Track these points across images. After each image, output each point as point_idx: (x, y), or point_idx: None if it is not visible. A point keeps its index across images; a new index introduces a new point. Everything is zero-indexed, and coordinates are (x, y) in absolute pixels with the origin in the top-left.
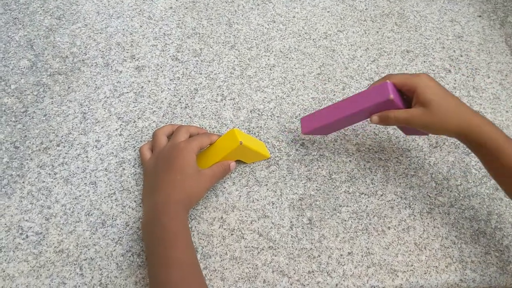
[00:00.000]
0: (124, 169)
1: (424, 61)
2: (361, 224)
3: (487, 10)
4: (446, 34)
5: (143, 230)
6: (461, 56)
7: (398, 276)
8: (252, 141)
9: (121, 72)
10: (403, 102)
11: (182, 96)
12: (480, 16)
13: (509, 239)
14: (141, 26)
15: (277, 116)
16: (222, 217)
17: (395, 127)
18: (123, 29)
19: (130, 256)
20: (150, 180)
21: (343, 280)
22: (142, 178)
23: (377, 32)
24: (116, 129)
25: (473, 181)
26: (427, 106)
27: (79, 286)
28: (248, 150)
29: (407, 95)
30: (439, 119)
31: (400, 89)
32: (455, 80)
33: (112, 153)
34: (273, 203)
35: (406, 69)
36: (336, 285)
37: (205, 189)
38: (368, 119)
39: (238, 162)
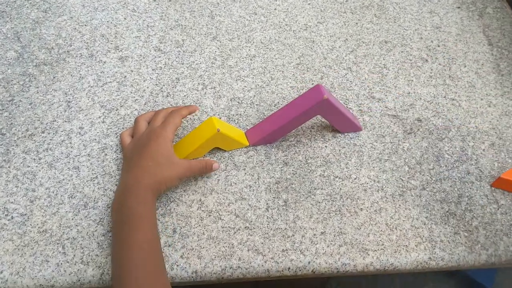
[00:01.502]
0: (106, 154)
1: (402, 51)
2: (335, 206)
3: (466, 1)
4: (424, 25)
5: (112, 209)
6: (439, 46)
7: (369, 254)
8: (230, 129)
9: (105, 62)
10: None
11: (164, 85)
12: (459, 7)
13: (478, 220)
14: (125, 19)
15: (257, 104)
16: (200, 200)
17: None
18: (108, 22)
19: (111, 236)
20: (126, 163)
21: (316, 258)
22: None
23: (357, 23)
24: (99, 117)
25: (445, 165)
26: None
27: (61, 263)
28: (226, 138)
29: None
30: None
31: None
32: (432, 69)
33: (95, 139)
34: (250, 186)
35: (384, 59)
36: (309, 262)
37: (177, 179)
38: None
39: (218, 148)
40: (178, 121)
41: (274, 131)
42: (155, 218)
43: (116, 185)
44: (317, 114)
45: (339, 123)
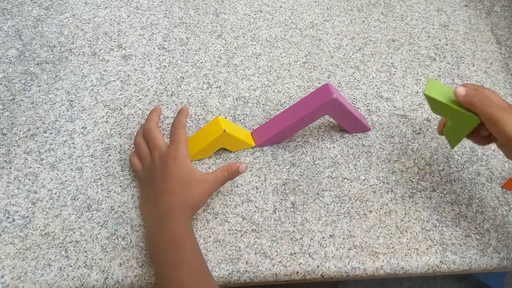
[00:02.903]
0: (110, 155)
1: (410, 50)
2: (343, 208)
3: None
4: (432, 23)
5: (148, 239)
6: (447, 45)
7: (379, 258)
8: (236, 130)
9: (108, 61)
10: None
11: (168, 84)
12: (466, 5)
13: (490, 222)
14: (128, 16)
15: (263, 104)
16: (207, 201)
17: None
18: (111, 19)
19: (115, 239)
20: (148, 192)
21: (325, 262)
22: (134, 186)
23: (363, 21)
24: (103, 116)
25: (456, 167)
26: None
27: (64, 267)
28: (232, 138)
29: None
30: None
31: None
32: (440, 68)
33: (98, 139)
34: (257, 188)
35: (392, 58)
36: (318, 266)
37: (206, 196)
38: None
39: (223, 149)
40: (185, 134)
41: (281, 131)
42: (195, 239)
43: (120, 186)
44: (325, 114)
45: (347, 123)
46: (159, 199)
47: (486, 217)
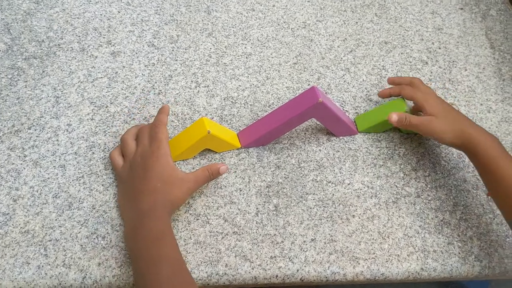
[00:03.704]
0: (93, 153)
1: (402, 53)
2: (326, 212)
3: (470, 2)
4: (426, 26)
5: (126, 237)
6: (440, 48)
7: (359, 263)
8: (222, 131)
9: (96, 57)
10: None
11: (156, 82)
12: (462, 8)
13: (473, 230)
14: (119, 12)
15: (251, 104)
16: (188, 203)
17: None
18: (101, 14)
19: (94, 238)
20: (128, 188)
21: (305, 266)
22: (116, 185)
23: (357, 22)
24: (88, 114)
25: (442, 172)
26: (436, 115)
27: (42, 266)
28: (217, 139)
29: (417, 109)
30: (444, 128)
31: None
32: (431, 72)
33: (83, 137)
34: (240, 190)
35: (383, 61)
36: (297, 270)
37: (187, 194)
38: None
39: (208, 150)
40: (166, 131)
41: (267, 133)
42: (174, 236)
43: (102, 185)
44: (311, 117)
45: (334, 126)
46: (139, 198)
47: (469, 224)
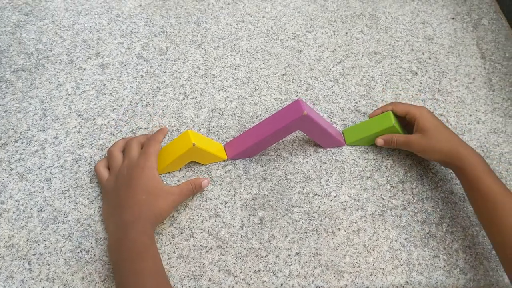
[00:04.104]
0: (79, 166)
1: (391, 63)
2: (312, 225)
3: (461, 12)
4: (416, 36)
5: (110, 249)
6: (430, 58)
7: (344, 277)
8: (207, 143)
9: (84, 69)
10: (402, 127)
11: (144, 94)
12: (453, 18)
13: (459, 243)
14: (108, 24)
15: (238, 116)
16: (173, 216)
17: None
18: (90, 26)
19: (78, 252)
20: (113, 200)
21: (289, 280)
22: (101, 198)
23: (346, 33)
24: (75, 126)
25: (429, 185)
26: (424, 133)
27: (26, 280)
28: (202, 152)
29: (408, 122)
30: (432, 145)
31: (403, 116)
32: (421, 83)
33: (69, 150)
34: (226, 203)
35: (372, 71)
36: (281, 284)
37: (172, 207)
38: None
39: (194, 162)
40: (158, 148)
41: (253, 145)
42: (157, 249)
43: (87, 198)
44: (297, 130)
45: (320, 138)
46: (124, 209)
47: (455, 237)
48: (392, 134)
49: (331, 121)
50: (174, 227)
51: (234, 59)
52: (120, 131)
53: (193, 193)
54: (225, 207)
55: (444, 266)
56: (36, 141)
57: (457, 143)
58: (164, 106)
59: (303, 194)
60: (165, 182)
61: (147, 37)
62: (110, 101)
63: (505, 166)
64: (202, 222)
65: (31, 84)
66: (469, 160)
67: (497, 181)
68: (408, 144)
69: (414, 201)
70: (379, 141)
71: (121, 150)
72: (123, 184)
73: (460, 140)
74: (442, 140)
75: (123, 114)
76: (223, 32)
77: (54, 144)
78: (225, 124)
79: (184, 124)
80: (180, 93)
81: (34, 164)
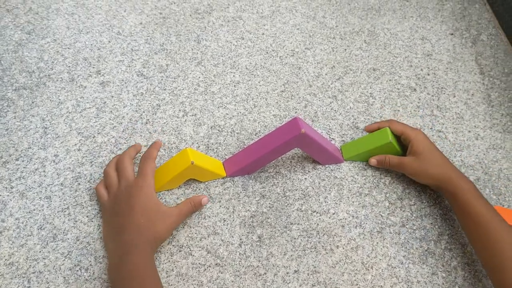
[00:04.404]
0: (79, 184)
1: (390, 80)
2: (310, 243)
3: (460, 28)
4: (415, 52)
5: (110, 271)
6: (428, 74)
7: None
8: (206, 161)
9: (85, 87)
10: (400, 145)
11: (143, 112)
12: (452, 34)
13: (457, 260)
14: (109, 42)
15: (237, 133)
16: (172, 234)
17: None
18: (91, 44)
19: (77, 270)
20: (112, 222)
21: None
22: (101, 216)
23: (345, 50)
24: (75, 144)
25: (427, 201)
26: (417, 156)
27: None
28: (201, 169)
29: (403, 143)
30: (425, 168)
31: (399, 135)
32: (419, 99)
33: (69, 168)
34: (224, 220)
35: (371, 88)
36: None
37: (171, 229)
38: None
39: (193, 179)
40: (154, 166)
41: (252, 162)
42: (157, 272)
43: (87, 216)
44: (295, 147)
45: (318, 155)
46: (123, 232)
47: (454, 254)
48: (385, 155)
49: (330, 137)
50: (173, 245)
51: (233, 76)
52: (120, 148)
53: (193, 211)
54: (223, 224)
55: (443, 284)
56: (36, 159)
57: (449, 168)
58: (164, 123)
59: (302, 211)
60: (163, 200)
61: (147, 54)
62: (110, 119)
63: (504, 183)
64: (200, 240)
65: (32, 102)
66: (460, 185)
67: (488, 207)
68: (401, 166)
69: (413, 218)
70: (373, 161)
71: (115, 169)
72: (122, 207)
73: (452, 165)
74: (434, 164)
75: (123, 131)
76: (222, 50)
77: (54, 162)
78: (224, 141)
79: (183, 141)
80: (179, 110)
81: (35, 182)
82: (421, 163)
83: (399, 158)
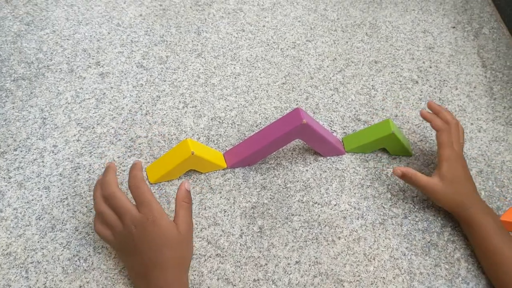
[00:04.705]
0: (78, 174)
1: (392, 72)
2: (312, 234)
3: (462, 21)
4: (417, 45)
5: None
6: (430, 67)
7: (344, 286)
8: (206, 151)
9: (84, 78)
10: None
11: (143, 103)
12: (454, 27)
13: (460, 252)
14: (109, 33)
15: (238, 124)
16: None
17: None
18: (91, 36)
19: (76, 261)
20: (135, 263)
21: None
22: (120, 259)
23: (347, 42)
24: (74, 135)
25: None
26: (443, 180)
27: None
28: (201, 160)
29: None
30: (447, 196)
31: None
32: (422, 92)
33: (68, 158)
34: (225, 211)
35: (373, 80)
36: None
37: (191, 242)
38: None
39: (194, 170)
40: (149, 189)
41: (252, 153)
42: None
43: (86, 206)
44: (296, 138)
45: (320, 147)
46: (152, 275)
47: (457, 246)
48: (415, 172)
49: (331, 129)
50: None
51: (234, 68)
52: (119, 139)
53: (191, 204)
54: (224, 215)
55: (446, 275)
56: (35, 149)
57: (470, 198)
58: (164, 114)
59: (303, 202)
60: (163, 191)
61: (147, 46)
62: (109, 110)
63: (506, 175)
64: (201, 230)
65: (31, 93)
66: (478, 218)
67: (506, 241)
68: (425, 189)
69: (415, 209)
70: (398, 171)
71: (107, 205)
72: (139, 246)
73: (474, 196)
74: (456, 191)
75: (123, 122)
76: (223, 41)
77: (53, 152)
78: (224, 132)
79: (183, 132)
80: (180, 101)
81: (33, 172)
82: (443, 189)
83: (427, 181)
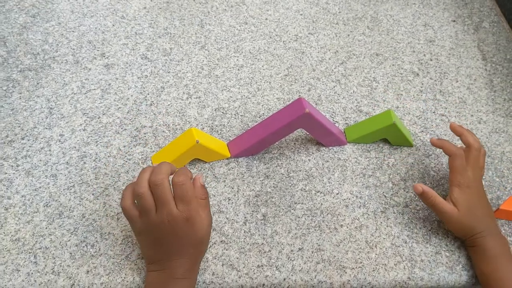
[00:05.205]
0: (85, 163)
1: (393, 65)
2: (314, 221)
3: (462, 15)
4: (418, 38)
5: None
6: (431, 60)
7: (346, 272)
8: (211, 141)
9: (90, 69)
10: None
11: (148, 94)
12: (454, 21)
13: (461, 240)
14: (113, 25)
15: (241, 115)
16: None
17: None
18: (96, 28)
19: (84, 247)
20: (156, 248)
21: (291, 275)
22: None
23: (348, 35)
24: (81, 124)
25: (431, 183)
26: (459, 207)
27: (32, 273)
28: (206, 149)
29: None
30: (461, 220)
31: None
32: (422, 84)
33: (75, 147)
34: (229, 199)
35: (374, 72)
36: (284, 279)
37: (209, 227)
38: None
39: (198, 159)
40: (192, 189)
41: (256, 143)
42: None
43: (92, 194)
44: (299, 128)
45: (322, 137)
46: (169, 264)
47: None
48: (435, 194)
49: (333, 120)
50: None
51: (237, 60)
52: (125, 129)
53: (208, 198)
54: (228, 203)
55: (447, 263)
56: (42, 138)
57: (482, 226)
58: (168, 105)
59: (306, 191)
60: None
61: (151, 38)
62: (115, 100)
63: (506, 165)
64: None
65: (38, 84)
66: (488, 248)
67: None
68: (440, 214)
69: (416, 198)
70: (419, 188)
71: (151, 191)
72: (167, 237)
73: (487, 222)
74: (469, 218)
75: (128, 112)
76: (226, 34)
77: (59, 141)
78: (228, 123)
79: (188, 123)
80: (184, 92)
81: (40, 160)
82: (458, 217)
83: (443, 206)
